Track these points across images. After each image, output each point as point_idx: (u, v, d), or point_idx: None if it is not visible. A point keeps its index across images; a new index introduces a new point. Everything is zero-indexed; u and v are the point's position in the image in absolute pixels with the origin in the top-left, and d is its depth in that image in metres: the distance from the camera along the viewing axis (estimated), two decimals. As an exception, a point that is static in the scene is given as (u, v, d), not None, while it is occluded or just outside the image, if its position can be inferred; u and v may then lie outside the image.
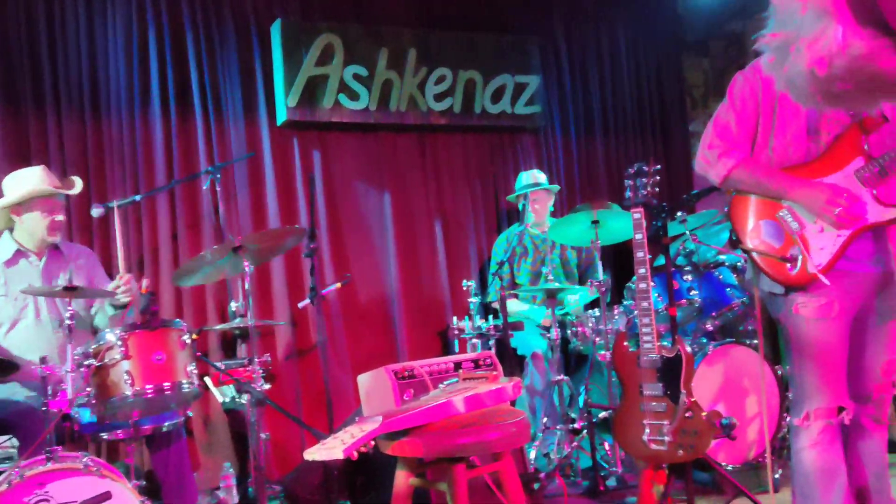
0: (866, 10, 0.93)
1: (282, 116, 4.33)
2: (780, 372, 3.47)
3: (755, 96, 2.31)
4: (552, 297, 3.73)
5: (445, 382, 2.14)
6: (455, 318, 3.87)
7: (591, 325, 3.79)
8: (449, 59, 4.74)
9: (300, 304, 3.86)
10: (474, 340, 3.72)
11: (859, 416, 2.31)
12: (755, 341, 3.62)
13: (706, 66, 5.86)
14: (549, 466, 3.56)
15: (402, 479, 2.04)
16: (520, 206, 4.43)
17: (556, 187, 4.57)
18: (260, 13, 4.37)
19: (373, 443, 1.98)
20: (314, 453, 1.79)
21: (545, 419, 3.69)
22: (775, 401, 3.48)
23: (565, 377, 3.70)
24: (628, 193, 2.77)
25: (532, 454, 3.57)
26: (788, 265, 2.24)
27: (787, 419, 2.97)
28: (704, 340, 3.59)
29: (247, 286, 3.12)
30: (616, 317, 3.73)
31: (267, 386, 3.11)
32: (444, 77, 4.71)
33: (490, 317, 3.73)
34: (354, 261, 4.55)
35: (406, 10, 4.82)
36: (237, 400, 3.47)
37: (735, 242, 2.36)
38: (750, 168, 2.31)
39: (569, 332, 3.93)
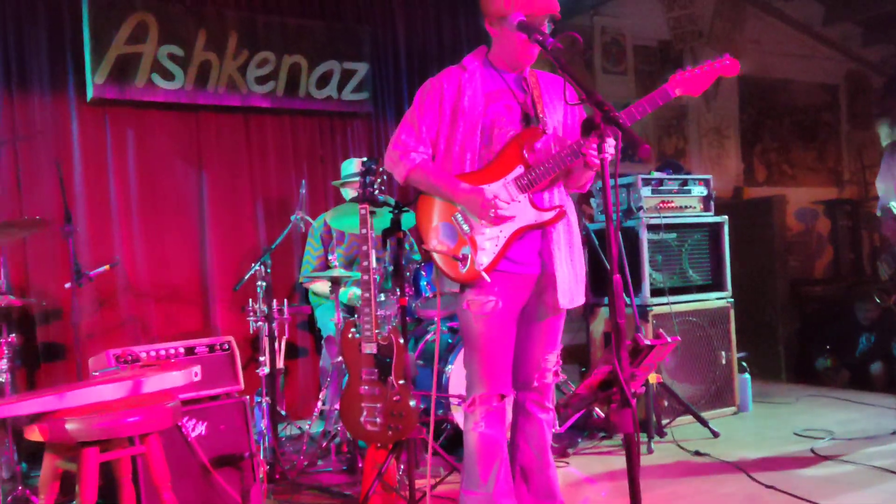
0: None
1: (90, 93, 4.32)
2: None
3: (439, 103, 2.44)
4: (336, 284, 3.86)
5: (101, 370, 2.23)
6: (251, 300, 3.96)
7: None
8: (273, 44, 4.78)
9: (66, 285, 3.71)
10: (259, 323, 3.83)
11: (524, 401, 2.51)
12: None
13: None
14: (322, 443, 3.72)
15: (48, 463, 2.13)
16: (344, 193, 4.53)
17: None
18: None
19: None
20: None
21: (321, 400, 3.84)
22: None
23: (344, 360, 3.84)
24: (358, 190, 2.89)
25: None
26: (460, 264, 2.40)
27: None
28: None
29: None
30: (392, 302, 3.87)
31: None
32: (267, 60, 4.76)
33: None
34: (169, 240, 4.60)
35: (234, -8, 4.84)
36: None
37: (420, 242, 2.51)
38: (427, 171, 2.45)
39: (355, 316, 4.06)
